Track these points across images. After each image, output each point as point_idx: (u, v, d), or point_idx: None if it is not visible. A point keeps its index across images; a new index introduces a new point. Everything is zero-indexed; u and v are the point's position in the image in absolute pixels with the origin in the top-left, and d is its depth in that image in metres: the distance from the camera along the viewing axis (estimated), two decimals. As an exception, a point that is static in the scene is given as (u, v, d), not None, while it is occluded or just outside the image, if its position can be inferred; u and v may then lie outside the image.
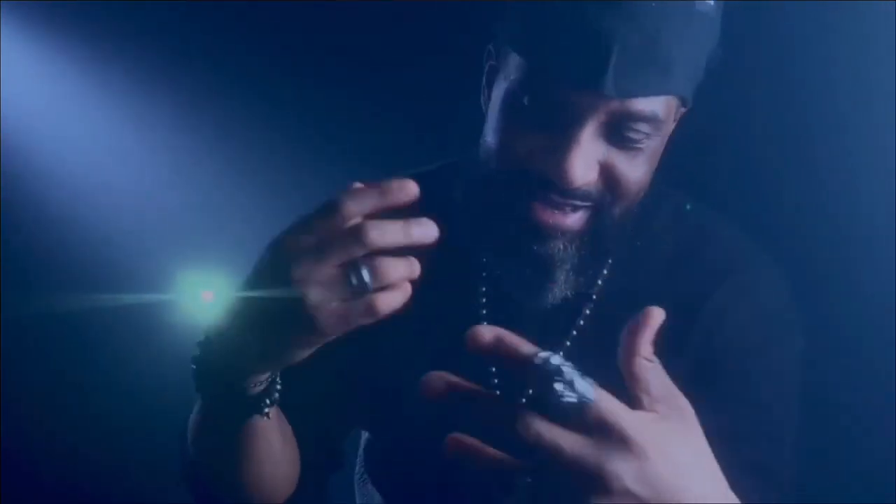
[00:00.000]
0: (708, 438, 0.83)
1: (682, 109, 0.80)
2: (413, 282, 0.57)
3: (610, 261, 0.86)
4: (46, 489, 1.98)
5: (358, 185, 0.57)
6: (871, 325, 1.33)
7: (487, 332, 0.47)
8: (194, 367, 0.72)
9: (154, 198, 1.99)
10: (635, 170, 0.76)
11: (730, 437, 0.81)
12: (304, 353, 0.65)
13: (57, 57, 1.93)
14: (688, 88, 0.76)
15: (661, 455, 0.48)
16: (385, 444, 0.99)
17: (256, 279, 0.65)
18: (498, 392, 0.49)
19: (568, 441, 0.47)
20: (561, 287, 0.79)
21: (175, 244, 1.98)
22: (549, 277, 0.78)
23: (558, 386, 0.46)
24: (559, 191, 0.74)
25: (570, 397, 0.46)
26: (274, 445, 0.80)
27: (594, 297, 0.87)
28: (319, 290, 0.56)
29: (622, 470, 0.47)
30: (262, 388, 0.70)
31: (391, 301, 0.57)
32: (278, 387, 0.72)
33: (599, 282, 0.86)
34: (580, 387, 0.47)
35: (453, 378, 0.48)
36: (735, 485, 0.80)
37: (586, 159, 0.73)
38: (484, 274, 0.88)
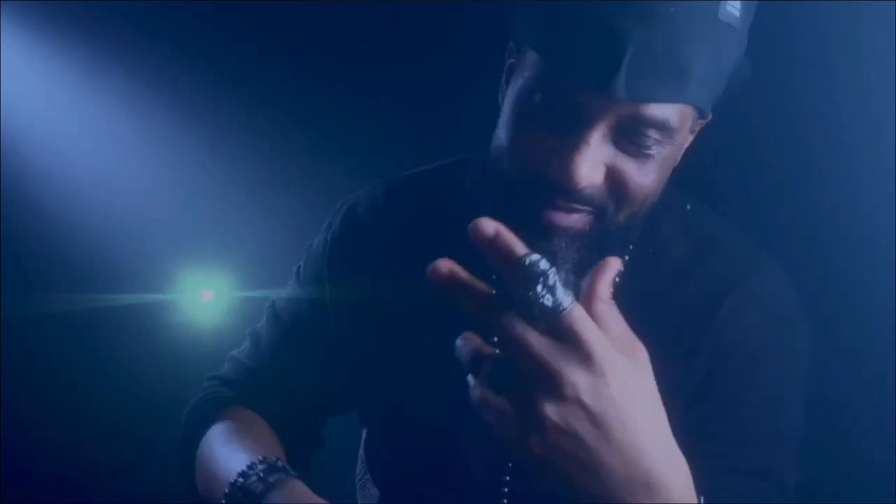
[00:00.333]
0: (715, 440, 0.83)
1: (701, 121, 0.78)
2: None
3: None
4: (46, 489, 1.98)
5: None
6: (871, 325, 1.34)
7: (489, 224, 0.51)
8: None
9: (154, 198, 1.99)
10: (643, 176, 0.75)
11: (736, 441, 0.82)
12: None
13: (57, 57, 1.93)
14: (705, 99, 0.74)
15: (617, 379, 0.52)
16: (384, 436, 1.00)
17: None
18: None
19: (536, 340, 0.51)
20: None
21: (175, 244, 1.98)
22: None
23: (539, 288, 0.50)
24: (563, 193, 0.73)
25: (548, 300, 0.50)
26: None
27: None
28: None
29: (579, 380, 0.51)
30: None
31: None
32: None
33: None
34: (560, 294, 0.50)
35: (457, 267, 0.53)
36: (738, 486, 0.80)
37: (592, 162, 0.71)
38: (494, 277, 0.88)
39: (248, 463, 0.81)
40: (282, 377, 0.99)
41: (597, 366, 0.51)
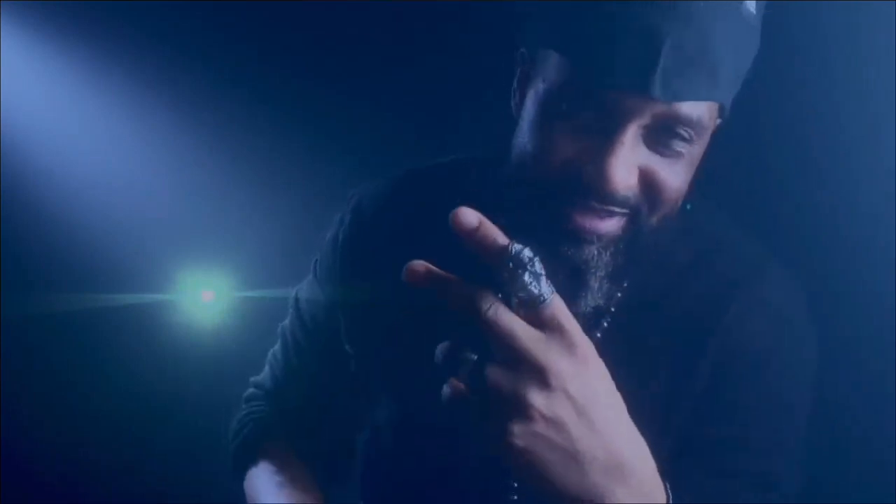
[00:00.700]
0: (716, 443, 0.83)
1: (719, 121, 0.77)
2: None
3: (634, 275, 0.83)
4: (46, 489, 1.98)
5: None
6: (871, 325, 1.33)
7: (471, 214, 0.52)
8: None
9: (154, 198, 1.99)
10: (675, 177, 0.73)
11: (737, 445, 0.81)
12: None
13: (57, 57, 1.92)
14: (729, 97, 0.74)
15: (597, 368, 0.54)
16: (392, 434, 1.00)
17: None
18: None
19: (523, 330, 0.51)
20: (594, 294, 0.76)
21: (175, 244, 1.98)
22: (582, 284, 0.75)
23: (526, 276, 0.51)
24: (598, 197, 0.71)
25: (534, 288, 0.51)
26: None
27: (612, 309, 0.84)
28: None
29: (564, 369, 0.52)
30: None
31: None
32: None
33: (619, 294, 0.83)
34: (544, 284, 0.52)
35: (432, 267, 0.53)
36: (737, 491, 0.80)
37: (627, 164, 0.70)
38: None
39: None
40: (310, 383, 1.02)
41: (580, 355, 0.52)
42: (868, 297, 1.34)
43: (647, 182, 0.73)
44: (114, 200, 1.98)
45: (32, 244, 1.96)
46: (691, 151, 0.73)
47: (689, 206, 0.91)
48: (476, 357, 0.53)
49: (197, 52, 1.86)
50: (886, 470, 1.31)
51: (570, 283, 0.75)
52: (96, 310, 1.99)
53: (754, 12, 0.71)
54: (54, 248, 1.95)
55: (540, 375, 0.51)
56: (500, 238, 0.51)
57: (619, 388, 0.54)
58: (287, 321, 1.06)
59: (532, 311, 0.51)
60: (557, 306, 0.52)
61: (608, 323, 0.85)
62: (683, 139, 0.72)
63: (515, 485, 0.85)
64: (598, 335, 0.84)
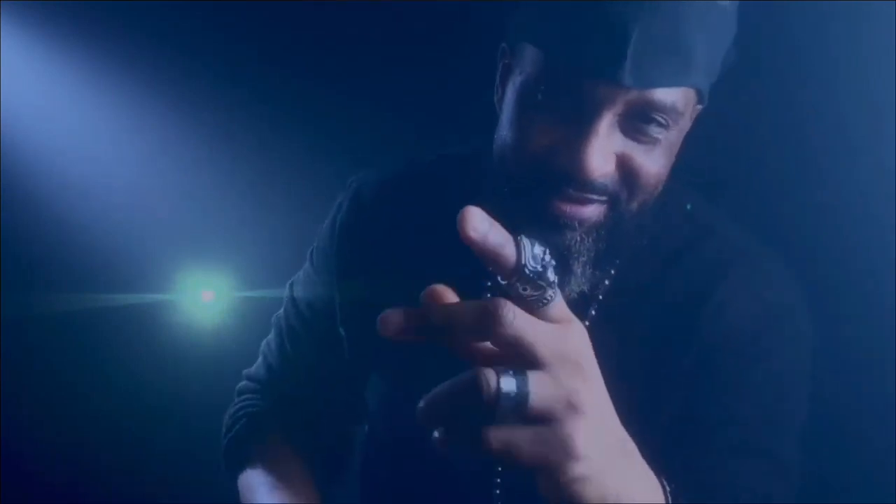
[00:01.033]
0: (711, 421, 0.82)
1: (698, 106, 0.79)
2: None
3: (618, 261, 0.85)
4: (47, 489, 1.98)
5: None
6: (871, 325, 1.33)
7: (480, 220, 0.44)
8: None
9: (154, 198, 1.99)
10: (652, 163, 0.75)
11: (731, 421, 0.81)
12: None
13: (57, 57, 1.92)
14: (705, 82, 0.75)
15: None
16: (385, 427, 1.00)
17: None
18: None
19: (546, 336, 0.46)
20: (578, 280, 0.78)
21: (175, 244, 1.98)
22: (566, 270, 0.77)
23: (540, 278, 0.46)
24: (576, 184, 0.73)
25: (550, 295, 0.47)
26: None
27: (600, 297, 0.86)
28: None
29: (588, 362, 0.48)
30: None
31: None
32: None
33: (606, 282, 0.85)
34: (552, 277, 0.47)
35: (411, 311, 0.47)
36: (736, 467, 0.79)
37: (603, 151, 0.71)
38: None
39: None
40: (306, 371, 1.01)
41: (588, 345, 0.49)
42: (868, 297, 1.34)
43: (625, 168, 0.74)
44: (113, 200, 1.98)
45: (32, 244, 1.96)
46: (668, 137, 0.75)
47: (689, 207, 0.91)
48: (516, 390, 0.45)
49: (196, 53, 1.86)
50: (886, 470, 1.31)
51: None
52: (96, 310, 1.99)
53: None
54: (54, 248, 1.95)
55: (575, 370, 0.47)
56: (511, 249, 0.45)
57: (610, 373, 0.51)
58: (282, 311, 1.06)
59: (548, 310, 0.47)
60: (562, 302, 0.48)
61: (596, 310, 0.86)
62: (659, 125, 0.73)
63: (500, 468, 0.86)
64: (587, 322, 0.85)
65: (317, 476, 0.98)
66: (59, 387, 1.97)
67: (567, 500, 0.47)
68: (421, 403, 0.47)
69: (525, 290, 0.47)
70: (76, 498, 1.98)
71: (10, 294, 1.91)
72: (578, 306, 0.83)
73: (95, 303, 1.99)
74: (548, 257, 0.47)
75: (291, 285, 1.05)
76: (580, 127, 0.71)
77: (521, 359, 0.46)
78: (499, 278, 0.47)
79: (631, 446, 0.53)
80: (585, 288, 0.80)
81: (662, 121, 0.73)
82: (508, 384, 0.45)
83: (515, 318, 0.45)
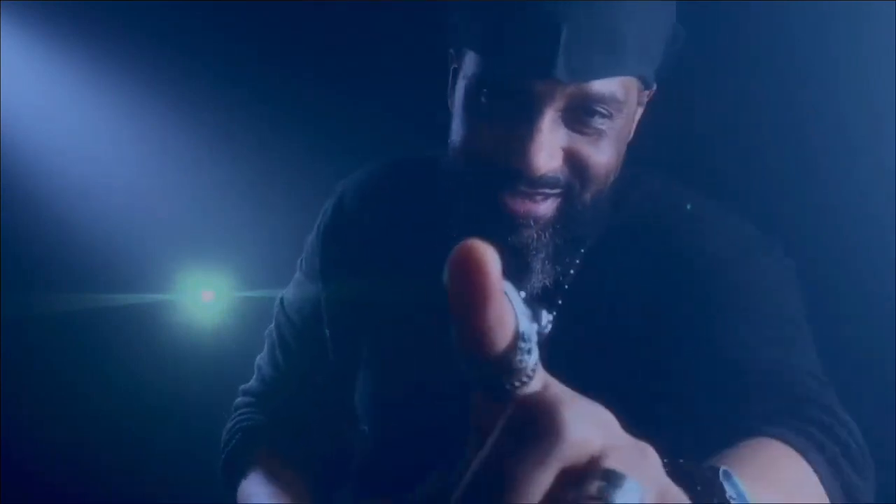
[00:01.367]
0: (732, 352, 0.76)
1: (647, 92, 0.80)
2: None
3: (582, 250, 0.86)
4: (46, 489, 1.98)
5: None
6: (871, 325, 1.33)
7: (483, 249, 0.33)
8: None
9: (154, 198, 1.99)
10: (600, 154, 0.76)
11: (747, 346, 0.76)
12: None
13: (57, 57, 1.92)
14: (645, 69, 0.76)
15: None
16: (375, 430, 1.01)
17: None
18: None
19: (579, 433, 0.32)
20: (538, 276, 0.79)
21: (175, 244, 1.98)
22: (525, 267, 0.78)
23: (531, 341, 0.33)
24: (526, 180, 0.74)
25: (528, 359, 0.35)
26: None
27: (567, 287, 0.86)
28: None
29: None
30: None
31: None
32: None
33: (572, 271, 0.86)
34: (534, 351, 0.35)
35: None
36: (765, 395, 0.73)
37: (549, 147, 0.73)
38: None
39: None
40: (298, 381, 1.02)
41: None
42: (868, 296, 1.34)
43: (573, 161, 0.75)
44: (113, 200, 1.98)
45: (32, 244, 1.96)
46: (613, 126, 0.76)
47: (689, 207, 0.91)
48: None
49: (196, 52, 1.86)
50: (886, 470, 1.31)
51: (513, 267, 0.77)
52: (96, 310, 1.99)
53: None
54: (54, 248, 1.95)
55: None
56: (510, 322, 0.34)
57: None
58: (272, 325, 1.07)
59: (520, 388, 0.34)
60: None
61: (563, 301, 0.86)
62: (603, 116, 0.74)
63: None
64: (554, 313, 0.85)
65: (316, 484, 0.99)
66: (59, 387, 1.97)
67: None
68: None
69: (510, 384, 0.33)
70: (76, 498, 1.98)
71: (10, 294, 1.92)
72: (543, 300, 0.83)
73: (95, 303, 1.99)
74: (544, 318, 0.36)
75: (281, 298, 1.06)
76: (524, 125, 0.73)
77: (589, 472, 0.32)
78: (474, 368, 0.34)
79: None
80: (548, 282, 0.81)
81: (605, 111, 0.74)
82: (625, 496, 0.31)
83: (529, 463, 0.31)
